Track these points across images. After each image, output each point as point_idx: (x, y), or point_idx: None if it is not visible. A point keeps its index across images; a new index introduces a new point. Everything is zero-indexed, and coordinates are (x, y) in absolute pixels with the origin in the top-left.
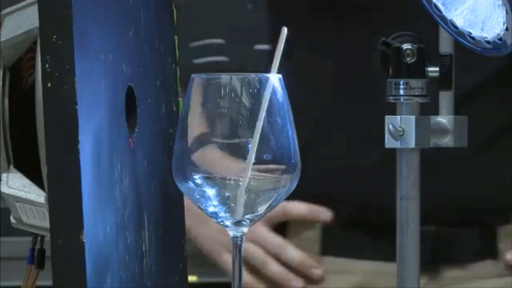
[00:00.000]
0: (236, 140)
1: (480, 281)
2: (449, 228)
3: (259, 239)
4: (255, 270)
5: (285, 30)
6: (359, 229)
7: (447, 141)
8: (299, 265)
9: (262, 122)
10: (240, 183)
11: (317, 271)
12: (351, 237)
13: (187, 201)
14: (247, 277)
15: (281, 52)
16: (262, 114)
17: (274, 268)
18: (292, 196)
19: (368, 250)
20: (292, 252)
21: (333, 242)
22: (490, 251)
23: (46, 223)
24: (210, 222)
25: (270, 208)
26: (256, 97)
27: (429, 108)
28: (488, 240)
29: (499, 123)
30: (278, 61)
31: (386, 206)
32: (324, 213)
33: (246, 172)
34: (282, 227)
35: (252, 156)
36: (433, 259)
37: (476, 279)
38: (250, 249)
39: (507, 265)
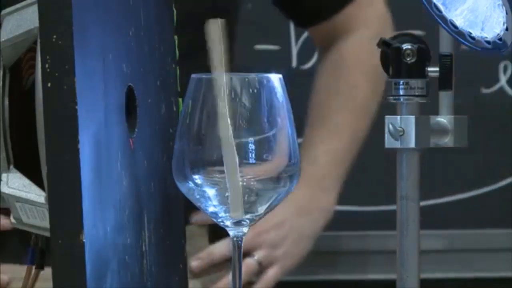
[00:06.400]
0: (236, 140)
1: None
2: None
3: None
4: None
5: (218, 22)
6: None
7: (447, 141)
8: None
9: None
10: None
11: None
12: None
13: None
14: None
15: (220, 46)
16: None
17: None
18: None
19: None
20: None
21: None
22: None
23: (46, 223)
24: None
25: (270, 208)
26: (256, 97)
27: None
28: None
29: None
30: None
31: None
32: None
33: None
34: None
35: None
36: None
37: None
38: None
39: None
